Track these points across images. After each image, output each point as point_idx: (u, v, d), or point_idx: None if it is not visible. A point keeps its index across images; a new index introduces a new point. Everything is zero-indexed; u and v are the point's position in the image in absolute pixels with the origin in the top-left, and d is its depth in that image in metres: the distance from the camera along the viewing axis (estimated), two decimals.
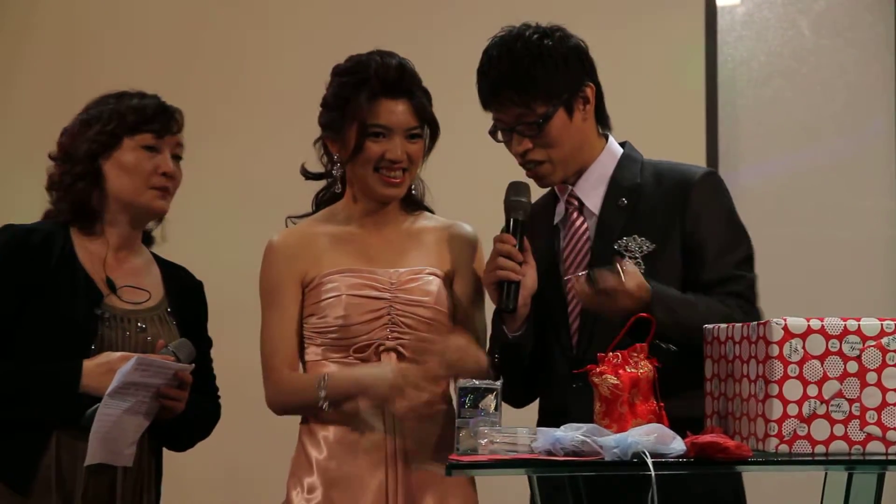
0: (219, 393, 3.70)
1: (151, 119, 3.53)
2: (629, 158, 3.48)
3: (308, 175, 3.62)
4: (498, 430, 2.97)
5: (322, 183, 3.62)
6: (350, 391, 3.39)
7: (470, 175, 5.01)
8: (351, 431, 3.43)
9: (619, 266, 3.18)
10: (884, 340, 2.90)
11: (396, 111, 3.44)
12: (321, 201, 3.62)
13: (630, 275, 3.19)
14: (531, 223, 3.38)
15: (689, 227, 3.38)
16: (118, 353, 3.41)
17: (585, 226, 3.43)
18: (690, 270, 3.37)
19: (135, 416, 3.38)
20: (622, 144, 3.51)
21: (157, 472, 3.58)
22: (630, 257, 3.36)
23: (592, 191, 3.44)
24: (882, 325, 2.91)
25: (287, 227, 3.59)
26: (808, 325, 2.90)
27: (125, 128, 3.52)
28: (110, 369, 3.35)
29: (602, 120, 3.48)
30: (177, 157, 3.59)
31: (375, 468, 3.41)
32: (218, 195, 5.40)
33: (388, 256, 3.49)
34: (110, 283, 3.50)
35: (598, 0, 5.23)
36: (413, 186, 3.55)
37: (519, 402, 3.52)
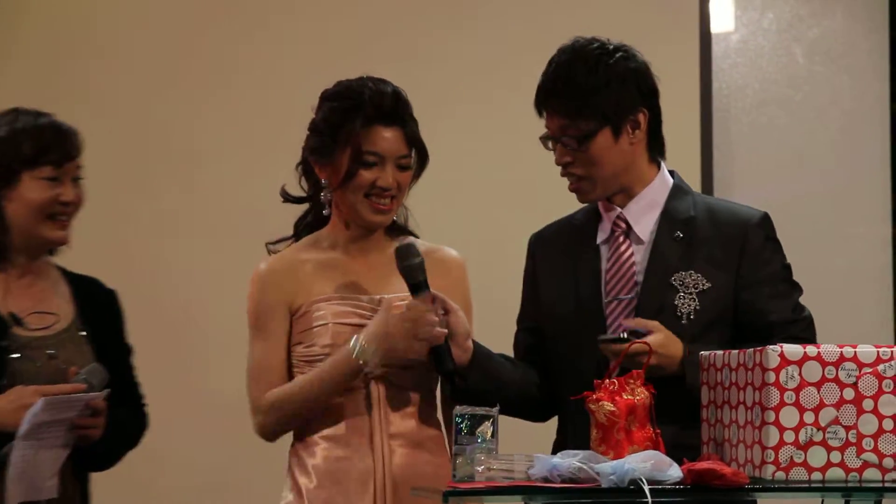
0: (144, 401, 3.64)
1: (49, 148, 3.44)
2: (681, 190, 3.47)
3: (288, 198, 3.61)
4: (495, 457, 2.97)
5: (301, 207, 3.61)
6: (340, 379, 3.38)
7: (453, 198, 5.02)
8: (340, 459, 3.42)
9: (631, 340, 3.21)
10: (880, 367, 2.91)
11: (390, 139, 3.43)
12: (303, 227, 3.61)
13: (658, 345, 3.21)
14: (565, 238, 3.43)
15: (746, 270, 3.38)
16: (30, 388, 3.34)
17: (632, 251, 3.41)
18: (746, 314, 3.37)
19: (51, 450, 3.33)
20: (671, 173, 3.50)
21: (84, 497, 3.53)
22: (685, 293, 3.35)
23: (642, 216, 3.43)
24: (878, 351, 2.91)
25: (268, 253, 3.56)
26: (805, 352, 2.90)
27: (23, 162, 3.43)
28: (22, 405, 3.28)
29: (657, 147, 3.46)
30: (77, 179, 3.51)
31: (364, 496, 3.39)
32: (203, 219, 5.40)
33: (374, 283, 3.48)
34: (14, 316, 3.44)
35: (593, 26, 5.23)
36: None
37: (538, 415, 3.53)
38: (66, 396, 3.32)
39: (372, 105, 3.42)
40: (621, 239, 3.43)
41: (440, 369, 3.36)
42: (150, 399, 3.66)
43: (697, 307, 3.34)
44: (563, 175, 3.42)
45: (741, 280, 3.38)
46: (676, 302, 3.34)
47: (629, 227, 3.43)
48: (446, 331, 3.33)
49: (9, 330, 3.42)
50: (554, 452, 3.31)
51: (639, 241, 3.42)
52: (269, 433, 3.47)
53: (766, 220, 3.45)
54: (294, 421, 3.46)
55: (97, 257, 5.14)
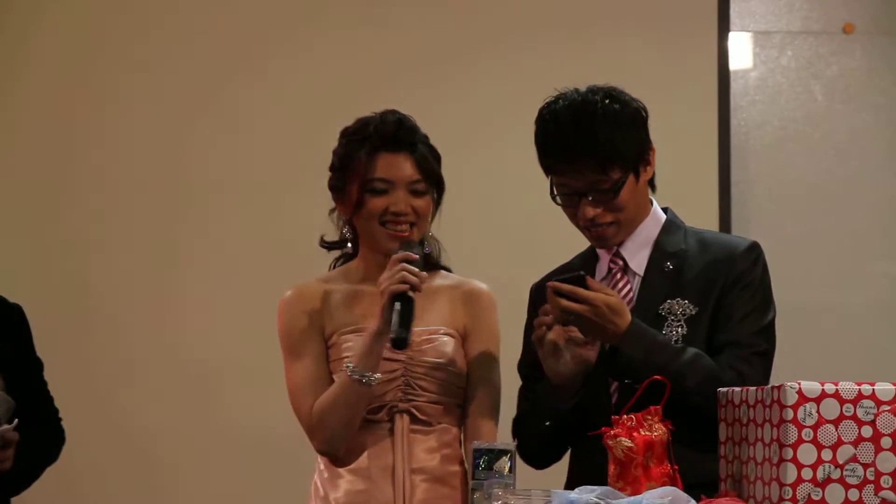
0: (59, 415, 3.62)
1: None
2: (673, 224, 3.49)
3: (325, 245, 3.62)
4: (512, 492, 2.97)
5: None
6: (367, 343, 3.36)
7: (484, 230, 5.04)
8: (361, 493, 3.42)
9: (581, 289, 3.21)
10: None
11: (396, 164, 3.44)
12: (338, 261, 3.63)
13: (601, 302, 3.21)
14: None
15: (722, 293, 3.39)
16: None
17: (629, 287, 3.43)
18: (712, 331, 3.39)
19: None
20: (664, 210, 3.53)
21: None
22: (673, 320, 3.37)
23: (637, 252, 3.45)
24: None
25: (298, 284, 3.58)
26: (823, 390, 2.90)
27: None
28: None
29: (651, 183, 3.49)
30: None
31: None
32: (227, 256, 5.43)
33: None
34: None
35: (613, 63, 5.26)
36: (428, 245, 3.55)
37: (543, 463, 3.52)
38: None
39: (376, 133, 3.45)
40: (619, 276, 3.44)
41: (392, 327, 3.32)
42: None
43: (685, 332, 3.36)
44: (586, 227, 3.41)
45: (720, 300, 3.39)
46: (665, 331, 3.36)
47: (626, 264, 3.45)
48: (406, 286, 3.31)
49: None
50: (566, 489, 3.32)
51: (635, 276, 3.45)
52: (329, 447, 3.44)
53: (754, 247, 3.47)
54: (345, 429, 3.41)
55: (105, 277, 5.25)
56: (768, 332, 3.42)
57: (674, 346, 3.31)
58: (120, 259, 5.34)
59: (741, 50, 5.56)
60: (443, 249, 3.58)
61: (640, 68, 5.33)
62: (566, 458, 3.55)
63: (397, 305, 3.31)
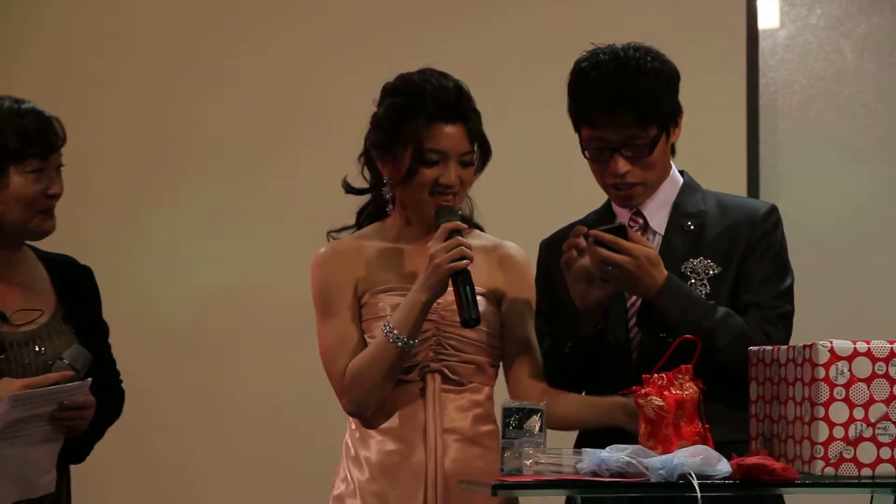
0: (120, 377, 3.64)
1: (35, 141, 3.42)
2: (691, 187, 3.51)
3: (350, 189, 3.60)
4: (543, 451, 2.98)
5: (363, 198, 3.61)
6: (411, 312, 3.34)
7: (516, 189, 5.05)
8: (393, 453, 3.43)
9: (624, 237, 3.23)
10: None
11: (452, 136, 3.40)
12: (364, 217, 3.61)
13: (640, 254, 3.23)
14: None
15: (748, 253, 3.41)
16: (18, 381, 3.31)
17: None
18: (734, 294, 3.40)
19: (41, 446, 3.33)
20: (681, 173, 3.53)
21: (68, 490, 3.54)
22: (696, 280, 3.38)
23: (657, 212, 3.46)
24: None
25: (328, 240, 3.56)
26: (855, 348, 2.90)
27: (9, 156, 3.40)
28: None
29: (672, 147, 3.49)
30: (59, 167, 3.48)
31: (416, 490, 3.39)
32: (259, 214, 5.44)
33: None
34: (0, 314, 3.44)
35: (640, 25, 5.22)
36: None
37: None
38: (39, 390, 3.29)
39: (434, 101, 3.40)
40: (640, 234, 3.44)
41: (459, 305, 3.32)
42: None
43: (708, 292, 3.37)
44: (614, 185, 3.40)
45: (740, 265, 3.41)
46: None
47: (646, 222, 3.46)
48: (466, 262, 3.31)
49: None
50: (577, 446, 3.33)
51: (655, 235, 3.46)
52: (360, 408, 3.42)
53: (773, 211, 3.48)
54: (378, 391, 3.40)
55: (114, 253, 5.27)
56: (788, 294, 3.44)
57: (707, 303, 3.32)
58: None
59: (769, 8, 5.52)
60: (475, 207, 3.57)
61: (668, 27, 5.29)
62: None
63: (461, 283, 3.30)
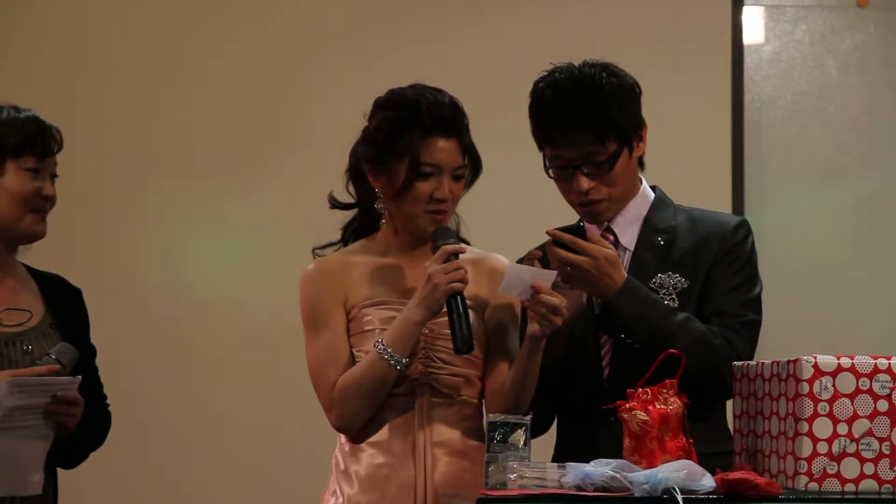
0: (107, 401, 3.63)
1: (33, 140, 3.44)
2: (662, 202, 3.52)
3: (336, 205, 3.60)
4: (527, 465, 2.97)
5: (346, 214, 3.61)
6: (405, 330, 3.34)
7: (501, 205, 5.04)
8: (382, 466, 3.42)
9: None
10: None
11: (447, 150, 3.41)
12: (350, 232, 3.61)
13: (600, 255, 3.26)
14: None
15: (712, 266, 3.42)
16: (4, 372, 3.31)
17: (621, 261, 3.44)
18: (701, 303, 3.42)
19: (32, 442, 3.32)
20: (653, 188, 3.55)
21: (55, 493, 3.53)
22: (665, 294, 3.39)
23: (628, 228, 3.47)
24: None
25: (314, 258, 3.57)
26: (839, 363, 2.90)
27: (7, 150, 3.43)
28: None
29: (640, 161, 3.50)
30: (53, 177, 3.51)
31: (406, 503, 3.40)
32: (243, 226, 5.43)
33: None
34: None
35: (624, 37, 5.25)
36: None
37: (540, 426, 3.51)
38: (35, 378, 3.30)
39: (430, 116, 3.40)
40: None
41: (450, 324, 3.33)
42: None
43: (676, 305, 3.38)
44: (578, 202, 3.42)
45: (710, 272, 3.42)
46: None
47: (616, 238, 3.47)
48: (461, 284, 3.31)
49: None
50: (555, 460, 3.33)
51: (625, 251, 3.47)
52: (347, 424, 3.42)
53: (742, 224, 3.51)
54: (366, 406, 3.40)
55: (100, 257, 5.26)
56: (755, 304, 3.45)
57: (667, 306, 3.34)
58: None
59: (755, 24, 5.54)
60: (462, 222, 3.57)
61: (653, 42, 5.32)
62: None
63: (456, 307, 3.31)
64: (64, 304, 3.58)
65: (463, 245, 3.41)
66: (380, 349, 3.35)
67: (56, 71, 5.45)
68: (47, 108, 3.59)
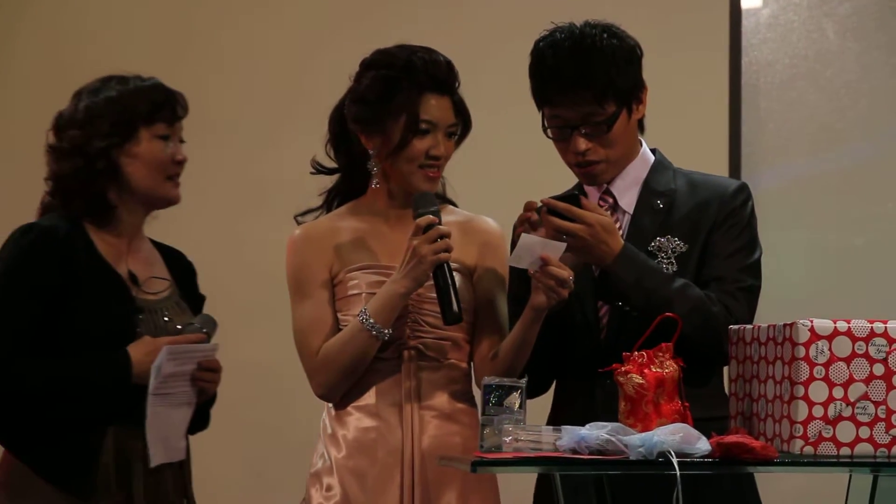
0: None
1: (162, 106, 3.49)
2: (661, 165, 3.52)
3: (321, 170, 3.59)
4: (522, 428, 2.98)
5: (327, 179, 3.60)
6: (390, 302, 3.34)
7: (489, 167, 5.03)
8: (370, 430, 3.42)
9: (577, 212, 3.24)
10: None
11: (441, 107, 3.42)
12: (333, 197, 3.59)
13: (595, 222, 3.25)
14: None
15: (711, 231, 3.42)
16: (161, 339, 3.38)
17: (619, 224, 3.45)
18: (700, 270, 3.41)
19: (180, 408, 3.41)
20: (653, 151, 3.53)
21: (189, 459, 3.56)
22: (663, 257, 3.39)
23: (627, 191, 3.47)
24: None
25: (297, 225, 3.56)
26: (835, 327, 2.90)
27: (140, 118, 3.46)
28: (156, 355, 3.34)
29: (641, 122, 3.49)
30: (181, 142, 3.55)
31: (394, 467, 3.40)
32: (221, 192, 5.41)
33: None
34: (133, 277, 3.48)
35: (621, 2, 5.23)
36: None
37: (537, 388, 3.51)
38: (187, 346, 3.39)
39: (426, 73, 3.40)
40: (609, 213, 3.44)
41: (439, 296, 3.33)
42: None
43: (675, 269, 3.38)
44: (576, 163, 3.42)
45: (708, 237, 3.42)
46: None
47: (616, 201, 3.46)
48: (446, 254, 3.31)
49: (132, 294, 3.45)
50: (550, 421, 3.34)
51: (624, 214, 3.47)
52: (329, 391, 3.44)
53: (742, 188, 3.50)
54: (348, 375, 3.41)
55: None
56: (754, 269, 3.44)
57: (665, 272, 3.34)
58: None
59: None
60: (447, 183, 3.57)
61: (650, 6, 5.30)
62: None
63: (443, 278, 3.31)
64: (186, 278, 3.64)
65: (435, 218, 3.35)
66: (362, 319, 3.34)
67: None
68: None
